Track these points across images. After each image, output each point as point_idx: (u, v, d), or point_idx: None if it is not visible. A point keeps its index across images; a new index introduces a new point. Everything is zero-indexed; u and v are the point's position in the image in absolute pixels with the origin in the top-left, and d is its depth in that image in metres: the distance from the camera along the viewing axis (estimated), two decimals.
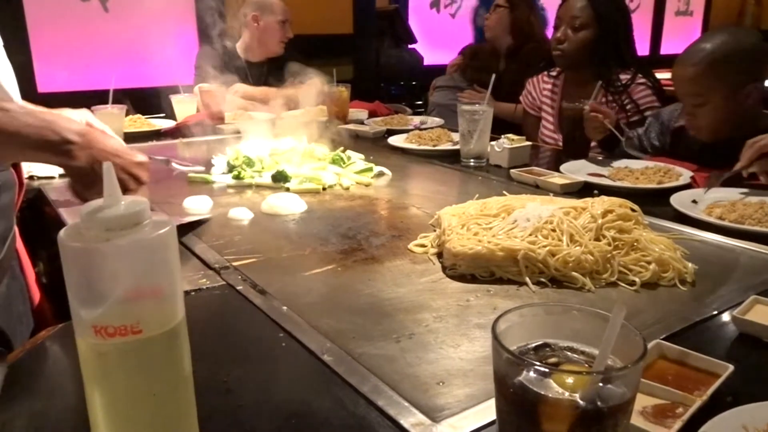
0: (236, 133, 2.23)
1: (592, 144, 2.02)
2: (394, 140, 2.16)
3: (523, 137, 1.91)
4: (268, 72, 2.93)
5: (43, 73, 3.17)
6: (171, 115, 2.67)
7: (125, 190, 1.04)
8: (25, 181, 1.13)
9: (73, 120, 0.95)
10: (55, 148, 0.90)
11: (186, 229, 1.26)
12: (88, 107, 2.22)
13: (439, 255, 1.12)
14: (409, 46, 4.58)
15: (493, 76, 2.01)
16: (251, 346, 0.83)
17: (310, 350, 0.80)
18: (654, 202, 1.39)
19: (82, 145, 0.93)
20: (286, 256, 1.17)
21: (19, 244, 1.13)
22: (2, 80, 0.96)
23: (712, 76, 1.66)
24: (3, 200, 1.00)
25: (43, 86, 3.15)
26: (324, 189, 1.61)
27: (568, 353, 0.52)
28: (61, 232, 0.51)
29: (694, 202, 1.40)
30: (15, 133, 0.86)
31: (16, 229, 1.10)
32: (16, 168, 1.09)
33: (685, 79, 1.71)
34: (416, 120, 2.60)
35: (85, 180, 0.97)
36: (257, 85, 2.81)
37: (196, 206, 1.41)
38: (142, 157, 1.09)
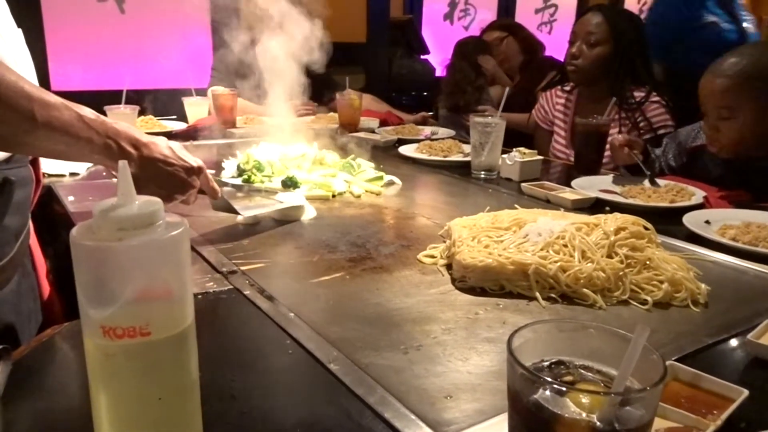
0: (247, 137, 2.23)
1: (605, 161, 2.01)
2: (405, 150, 2.15)
3: (535, 151, 1.90)
4: (281, 75, 2.93)
5: (57, 71, 3.18)
6: (182, 117, 2.67)
7: (172, 195, 1.11)
8: (42, 178, 1.13)
9: (135, 130, 1.03)
10: (114, 156, 0.98)
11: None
12: (102, 106, 2.25)
13: (449, 266, 1.11)
14: (422, 57, 4.60)
15: (507, 89, 2.01)
16: (257, 353, 0.83)
17: (317, 358, 0.79)
18: (666, 221, 1.38)
19: (136, 156, 1.02)
20: (294, 262, 1.16)
21: (33, 241, 1.13)
22: (22, 73, 0.96)
23: (744, 91, 1.62)
24: (19, 196, 1.00)
25: (57, 85, 3.17)
26: (333, 196, 1.60)
27: (584, 372, 0.51)
28: (73, 230, 0.50)
29: (707, 222, 1.39)
30: (87, 140, 0.93)
31: (31, 225, 1.10)
32: (34, 165, 1.09)
33: (715, 91, 1.66)
34: (427, 130, 2.59)
35: (135, 183, 1.01)
36: (270, 89, 2.81)
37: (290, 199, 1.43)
38: (195, 162, 1.14)
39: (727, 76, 1.64)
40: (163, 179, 1.08)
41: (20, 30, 1.05)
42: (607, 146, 1.96)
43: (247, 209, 1.33)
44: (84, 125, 0.92)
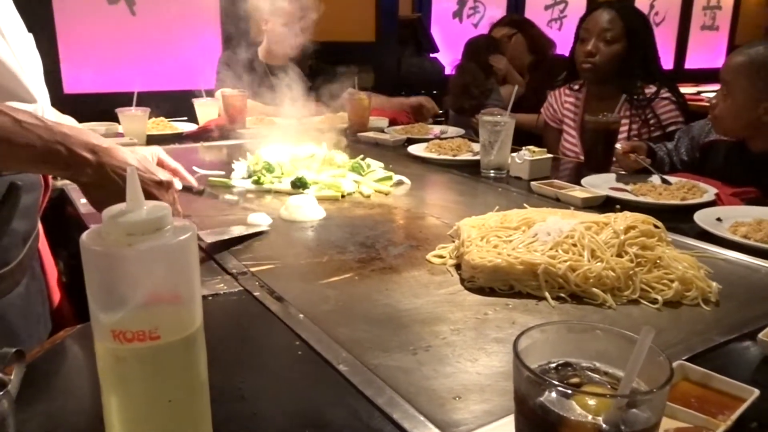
0: (257, 138, 2.24)
1: (615, 158, 2.00)
2: (414, 149, 2.15)
3: (544, 149, 1.89)
4: (290, 75, 2.94)
5: (69, 74, 3.21)
6: (193, 119, 2.69)
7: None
8: (51, 182, 1.14)
9: (92, 135, 0.93)
10: (62, 163, 0.88)
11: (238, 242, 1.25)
12: (113, 109, 2.27)
13: (458, 266, 1.11)
14: (431, 55, 4.59)
15: (515, 88, 2.01)
16: (267, 353, 0.83)
17: (326, 359, 0.79)
18: (677, 218, 1.37)
19: (93, 162, 0.91)
20: (303, 263, 1.17)
21: (43, 245, 1.14)
22: (26, 79, 0.97)
23: (744, 75, 1.71)
24: (27, 201, 1.01)
25: (69, 87, 3.20)
26: (343, 196, 1.61)
27: (591, 374, 0.51)
28: (83, 236, 0.51)
29: (719, 219, 1.38)
30: (24, 146, 0.84)
31: (40, 229, 1.10)
32: (46, 175, 1.10)
33: (728, 66, 1.77)
34: (436, 129, 2.59)
35: (96, 195, 0.96)
36: (279, 88, 2.82)
37: (258, 221, 1.37)
38: (164, 176, 1.05)
39: (741, 55, 1.74)
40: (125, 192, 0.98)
41: (31, 34, 1.06)
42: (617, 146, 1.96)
43: (212, 235, 1.23)
44: (21, 129, 0.83)
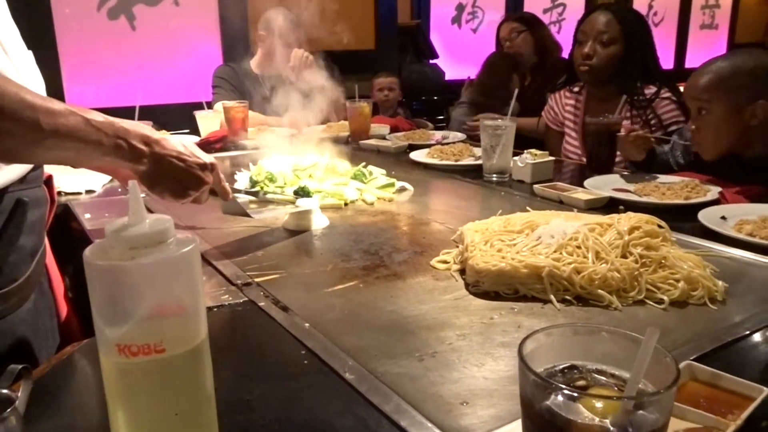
0: (259, 148, 2.25)
1: (617, 159, 2.00)
2: (416, 155, 2.15)
3: (546, 152, 1.89)
4: (283, 87, 2.94)
5: (72, 90, 3.24)
6: (195, 131, 2.70)
7: (186, 191, 1.11)
8: (56, 198, 1.15)
9: (145, 128, 1.02)
10: (125, 156, 0.98)
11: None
12: None
13: (462, 271, 1.11)
14: (431, 62, 4.60)
15: (516, 90, 2.01)
16: (273, 364, 0.83)
17: (333, 368, 0.79)
18: (681, 218, 1.37)
19: (148, 152, 1.01)
20: (308, 272, 1.17)
21: (50, 261, 1.15)
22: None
23: (715, 89, 1.66)
24: (33, 217, 1.01)
25: (71, 102, 3.22)
26: (346, 204, 1.61)
27: (597, 376, 0.51)
28: (87, 250, 0.51)
29: (723, 218, 1.37)
30: (95, 143, 0.92)
31: (47, 245, 1.11)
32: (48, 185, 1.10)
33: (694, 87, 1.72)
34: (438, 135, 2.59)
35: (152, 182, 1.06)
36: (272, 100, 2.83)
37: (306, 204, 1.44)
38: (208, 158, 1.14)
39: (707, 73, 1.69)
40: (176, 175, 1.07)
41: (30, 52, 1.07)
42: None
43: (258, 212, 1.34)
44: (92, 128, 0.92)
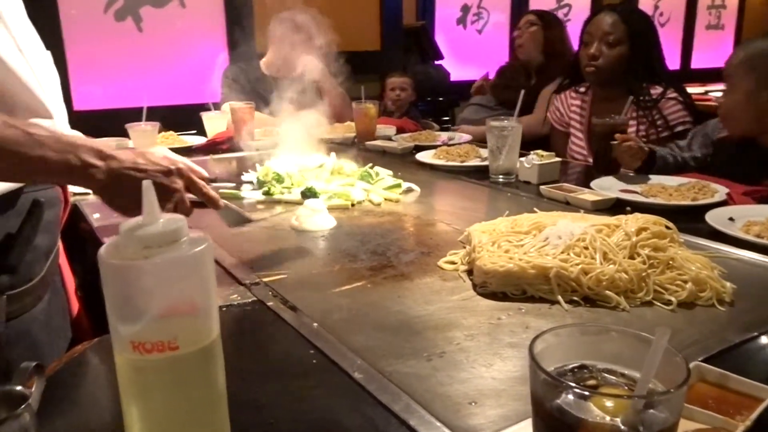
0: (266, 149, 2.26)
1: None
2: (422, 156, 2.16)
3: (553, 153, 1.89)
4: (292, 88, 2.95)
5: (79, 91, 3.25)
6: (202, 132, 2.71)
7: (162, 204, 1.01)
8: (70, 198, 1.15)
9: (98, 142, 0.94)
10: (77, 172, 0.90)
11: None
12: (123, 124, 2.30)
13: (470, 272, 1.12)
14: (436, 62, 4.60)
15: (522, 92, 2.01)
16: (282, 363, 0.84)
17: (341, 367, 0.80)
18: (688, 219, 1.36)
19: (103, 167, 0.92)
20: (315, 272, 1.18)
21: (63, 260, 1.16)
22: (44, 95, 0.99)
23: (742, 66, 1.78)
24: (48, 217, 1.02)
25: (78, 104, 3.24)
26: (353, 205, 1.62)
27: (607, 376, 0.51)
28: (101, 250, 0.52)
29: (731, 219, 1.37)
30: (38, 158, 0.85)
31: (60, 245, 1.12)
32: (62, 185, 1.11)
33: (728, 62, 1.84)
34: (444, 136, 2.60)
35: (112, 198, 0.98)
36: (284, 100, 2.84)
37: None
38: (173, 164, 1.03)
39: (741, 50, 1.83)
40: (139, 189, 0.97)
41: (49, 52, 1.08)
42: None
43: (259, 215, 1.33)
44: (34, 142, 0.84)
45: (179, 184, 1.04)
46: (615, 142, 1.87)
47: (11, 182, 0.92)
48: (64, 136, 0.89)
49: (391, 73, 3.65)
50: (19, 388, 0.62)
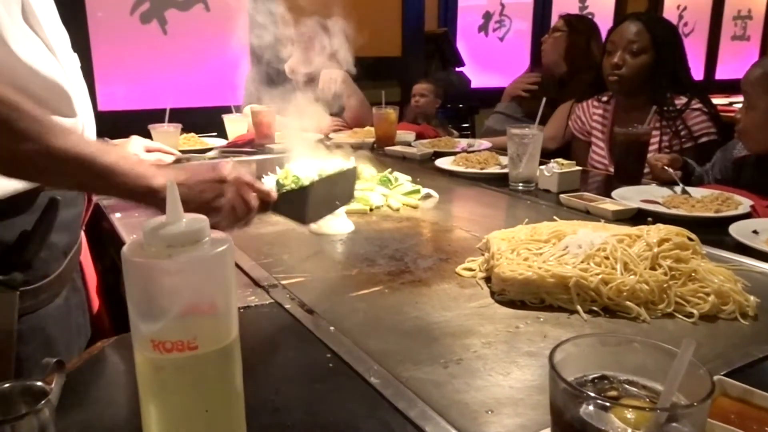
0: (285, 152, 2.27)
1: (646, 170, 1.97)
2: (441, 162, 2.15)
3: (573, 162, 1.88)
4: (317, 91, 2.97)
5: (103, 92, 3.30)
6: (223, 134, 2.73)
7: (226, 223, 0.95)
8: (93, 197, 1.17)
9: (153, 170, 0.90)
10: (143, 198, 0.88)
11: None
12: (146, 125, 2.32)
13: (488, 279, 1.11)
14: (457, 69, 4.59)
15: (543, 100, 2.00)
16: (299, 366, 0.84)
17: (357, 372, 0.80)
18: (711, 231, 1.34)
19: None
20: (333, 276, 1.18)
21: (85, 257, 1.17)
22: (73, 95, 1.00)
23: (759, 83, 1.75)
24: (68, 215, 1.03)
25: (103, 105, 3.28)
26: (371, 210, 1.62)
27: (628, 387, 0.51)
28: (125, 248, 0.52)
29: (755, 232, 1.35)
30: (116, 186, 0.86)
31: (83, 242, 1.13)
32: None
33: (745, 79, 1.81)
34: (463, 142, 2.59)
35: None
36: (306, 103, 2.86)
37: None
38: (218, 175, 0.95)
39: (759, 66, 1.79)
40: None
41: (76, 54, 1.09)
42: (649, 155, 1.93)
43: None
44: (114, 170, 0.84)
45: (229, 192, 0.96)
46: (655, 159, 1.88)
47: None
48: (127, 162, 0.87)
49: (418, 80, 3.66)
50: (39, 383, 0.63)
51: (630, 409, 0.46)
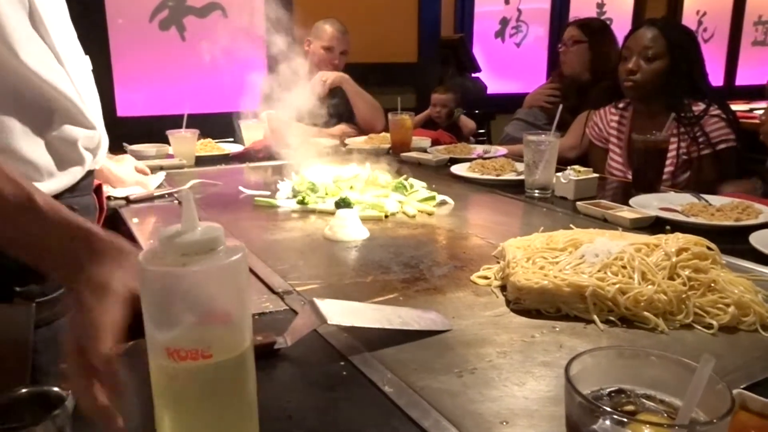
0: (301, 158, 2.28)
1: (664, 177, 1.95)
2: (457, 169, 2.15)
3: (590, 169, 1.86)
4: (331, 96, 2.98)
5: (122, 98, 3.34)
6: (239, 140, 2.75)
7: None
8: (105, 205, 1.18)
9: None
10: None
11: None
12: (163, 131, 2.35)
13: (503, 288, 1.10)
14: (473, 75, 4.59)
15: (560, 106, 1.99)
16: (312, 373, 0.83)
17: (371, 380, 0.79)
18: (731, 240, 1.32)
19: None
20: (348, 283, 1.18)
21: None
22: (85, 107, 1.01)
23: None
24: None
25: (122, 110, 3.33)
26: (386, 216, 1.61)
27: (646, 402, 0.50)
28: (140, 256, 0.52)
29: None
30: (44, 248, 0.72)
31: None
32: (98, 193, 1.13)
33: None
34: (479, 149, 2.58)
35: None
36: (322, 110, 2.87)
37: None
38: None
39: None
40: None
41: (88, 57, 1.10)
42: (667, 162, 1.91)
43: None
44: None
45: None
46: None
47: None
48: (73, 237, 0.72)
49: (436, 88, 3.63)
50: (56, 389, 0.63)
51: (647, 426, 0.45)
